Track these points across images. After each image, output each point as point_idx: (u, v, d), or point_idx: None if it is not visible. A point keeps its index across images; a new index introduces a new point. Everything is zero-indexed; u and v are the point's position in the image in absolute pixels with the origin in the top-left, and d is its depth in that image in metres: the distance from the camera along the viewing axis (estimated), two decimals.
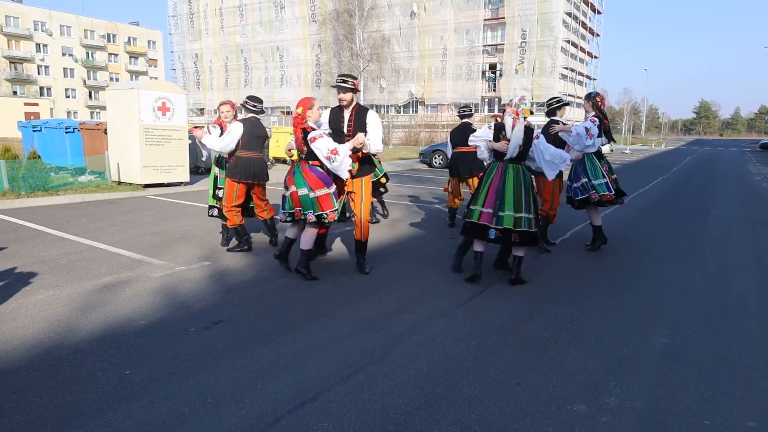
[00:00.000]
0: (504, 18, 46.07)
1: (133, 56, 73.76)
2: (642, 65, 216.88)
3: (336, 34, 49.64)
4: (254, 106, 5.89)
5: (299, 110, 4.72)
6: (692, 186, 14.80)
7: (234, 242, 6.04)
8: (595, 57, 58.26)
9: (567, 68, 47.96)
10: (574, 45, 49.73)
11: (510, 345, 3.55)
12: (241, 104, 6.03)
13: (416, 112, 50.53)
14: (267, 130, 6.98)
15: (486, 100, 49.00)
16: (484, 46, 47.64)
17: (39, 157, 14.76)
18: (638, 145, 52.74)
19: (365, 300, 4.40)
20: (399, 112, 50.92)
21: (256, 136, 5.80)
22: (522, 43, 45.78)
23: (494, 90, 48.32)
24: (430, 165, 20.01)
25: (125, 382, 2.92)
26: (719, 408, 2.79)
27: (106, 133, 11.64)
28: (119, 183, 11.02)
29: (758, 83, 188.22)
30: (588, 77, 57.12)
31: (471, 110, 7.71)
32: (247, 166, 5.68)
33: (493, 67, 48.27)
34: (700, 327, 3.96)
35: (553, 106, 6.25)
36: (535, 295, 4.64)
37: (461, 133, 7.34)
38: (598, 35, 57.68)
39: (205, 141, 5.74)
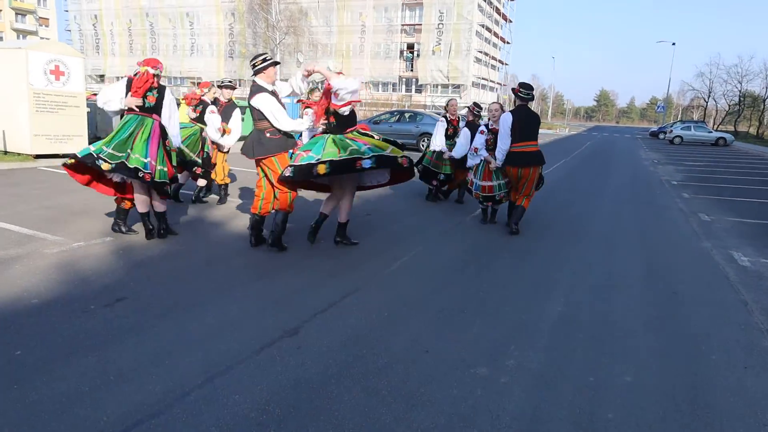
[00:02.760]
0: None
1: (20, 13, 66.49)
2: (550, 53, 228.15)
3: (251, 3, 47.70)
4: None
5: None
6: (591, 168, 15.93)
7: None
8: (508, 42, 60.45)
9: (481, 52, 49.40)
10: (488, 29, 51.25)
11: (419, 315, 3.70)
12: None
13: None
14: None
15: (404, 79, 49.42)
16: (403, 25, 47.86)
17: None
18: (544, 130, 55.74)
19: (279, 275, 4.38)
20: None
21: None
22: (439, 24, 46.47)
23: (412, 70, 48.82)
24: None
25: (15, 362, 2.73)
26: (603, 366, 3.10)
27: None
28: (5, 153, 10.03)
29: (651, 76, 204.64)
30: (500, 62, 59.22)
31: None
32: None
33: (411, 47, 48.66)
34: (590, 296, 4.34)
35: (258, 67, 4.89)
36: (443, 269, 4.84)
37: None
38: (510, 21, 59.77)
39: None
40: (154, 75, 4.94)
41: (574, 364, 3.10)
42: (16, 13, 65.96)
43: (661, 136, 40.45)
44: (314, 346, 3.12)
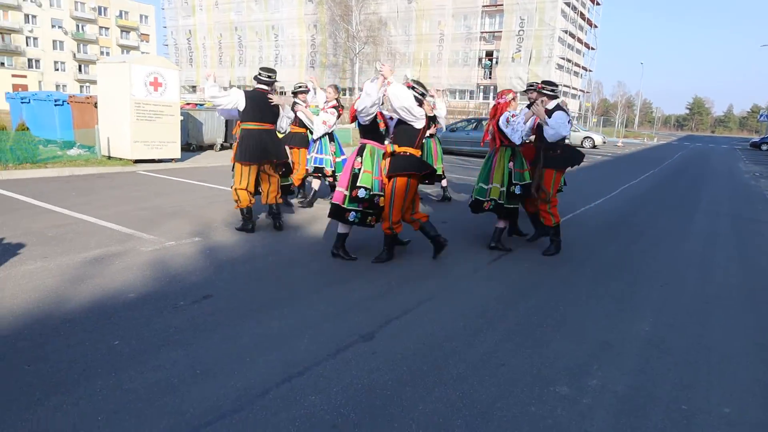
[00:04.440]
0: (502, 5, 45.79)
1: (125, 30, 72.44)
2: (638, 59, 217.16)
3: (332, 15, 49.11)
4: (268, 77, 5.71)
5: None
6: (682, 180, 14.93)
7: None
8: (592, 48, 58.16)
9: (563, 58, 47.87)
10: (572, 35, 49.59)
11: (496, 328, 3.60)
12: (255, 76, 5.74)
13: None
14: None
15: (482, 87, 48.86)
16: (482, 32, 47.38)
17: (27, 129, 14.56)
18: (629, 139, 52.94)
19: (355, 280, 4.43)
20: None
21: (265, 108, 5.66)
22: (519, 31, 45.57)
23: (490, 77, 48.16)
24: None
25: (114, 352, 2.94)
26: (697, 394, 2.87)
27: (96, 106, 11.50)
28: (109, 158, 10.91)
29: (752, 82, 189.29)
30: (584, 68, 57.07)
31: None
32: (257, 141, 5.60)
33: (489, 54, 48.06)
34: (682, 316, 4.04)
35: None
36: (522, 281, 4.70)
37: None
38: (596, 26, 57.52)
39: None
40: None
41: (664, 390, 2.89)
42: (122, 30, 71.92)
43: (764, 147, 37.25)
44: (389, 353, 3.12)
